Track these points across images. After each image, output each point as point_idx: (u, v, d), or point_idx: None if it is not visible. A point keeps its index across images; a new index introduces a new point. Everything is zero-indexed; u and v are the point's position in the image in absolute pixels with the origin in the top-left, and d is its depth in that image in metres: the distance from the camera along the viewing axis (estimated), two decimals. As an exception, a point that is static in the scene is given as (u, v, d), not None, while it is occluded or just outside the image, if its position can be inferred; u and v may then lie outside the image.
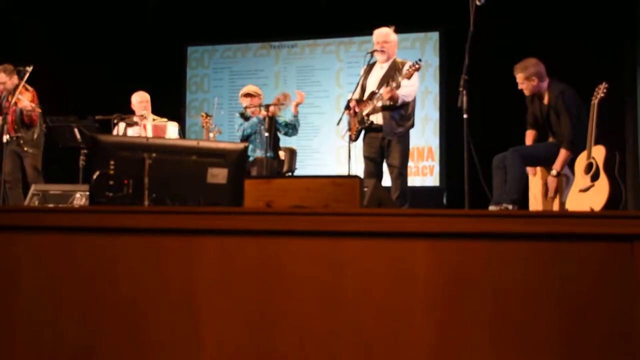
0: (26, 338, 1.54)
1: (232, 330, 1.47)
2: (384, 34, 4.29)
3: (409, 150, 4.29)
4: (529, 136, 4.00)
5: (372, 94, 4.19)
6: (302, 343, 1.44)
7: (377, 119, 4.18)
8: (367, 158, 4.27)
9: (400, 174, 4.13)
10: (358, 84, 4.37)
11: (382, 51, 4.23)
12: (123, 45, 6.47)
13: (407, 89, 4.11)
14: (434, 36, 6.32)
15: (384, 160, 4.23)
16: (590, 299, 1.37)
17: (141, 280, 1.53)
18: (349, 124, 4.32)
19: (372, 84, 4.26)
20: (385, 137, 4.15)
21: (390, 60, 4.28)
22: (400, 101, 4.09)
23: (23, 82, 4.76)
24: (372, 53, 4.28)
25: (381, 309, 1.43)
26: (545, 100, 3.86)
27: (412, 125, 4.24)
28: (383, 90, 4.09)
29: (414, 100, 4.23)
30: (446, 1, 5.53)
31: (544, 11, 5.45)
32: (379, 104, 4.14)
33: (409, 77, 4.05)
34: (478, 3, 3.52)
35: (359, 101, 4.28)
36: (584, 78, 4.07)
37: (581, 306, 1.37)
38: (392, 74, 4.16)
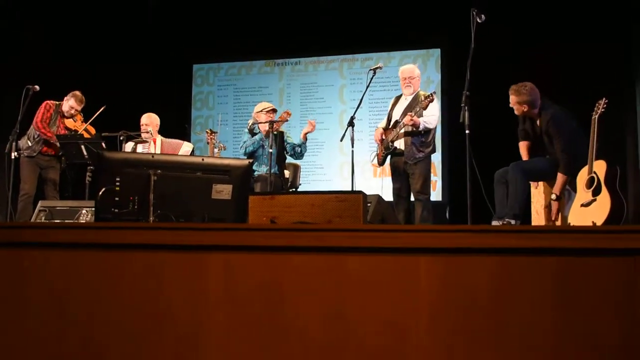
0: (33, 352, 1.55)
1: (237, 346, 1.48)
2: (409, 69, 4.71)
3: (430, 172, 4.66)
4: (523, 147, 4.04)
5: (396, 122, 4.60)
6: (307, 359, 1.45)
7: (400, 144, 4.58)
8: (394, 177, 4.65)
9: (423, 193, 4.50)
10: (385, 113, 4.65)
11: (409, 85, 4.65)
12: (129, 63, 6.53)
13: (429, 117, 4.49)
14: (436, 53, 6.36)
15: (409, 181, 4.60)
16: (593, 314, 1.37)
17: (146, 296, 1.54)
18: (377, 149, 4.81)
19: (397, 114, 4.66)
20: (406, 161, 4.52)
21: (415, 93, 4.63)
22: (421, 127, 4.47)
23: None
24: (374, 70, 4.58)
25: (385, 324, 1.43)
26: (538, 123, 3.90)
27: (434, 151, 4.62)
28: (405, 118, 4.49)
29: (434, 129, 4.58)
30: (448, 18, 5.59)
31: (544, 27, 5.49)
32: (402, 130, 4.54)
33: (425, 107, 4.46)
34: (479, 20, 3.57)
35: (386, 129, 4.70)
36: (584, 94, 4.10)
37: (585, 321, 1.37)
38: (414, 105, 4.53)
